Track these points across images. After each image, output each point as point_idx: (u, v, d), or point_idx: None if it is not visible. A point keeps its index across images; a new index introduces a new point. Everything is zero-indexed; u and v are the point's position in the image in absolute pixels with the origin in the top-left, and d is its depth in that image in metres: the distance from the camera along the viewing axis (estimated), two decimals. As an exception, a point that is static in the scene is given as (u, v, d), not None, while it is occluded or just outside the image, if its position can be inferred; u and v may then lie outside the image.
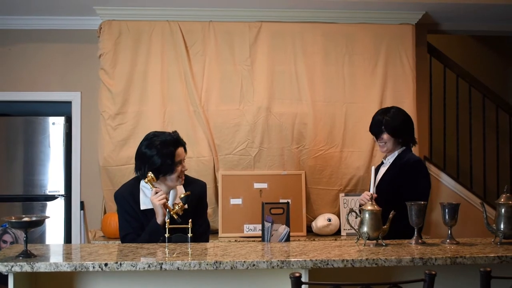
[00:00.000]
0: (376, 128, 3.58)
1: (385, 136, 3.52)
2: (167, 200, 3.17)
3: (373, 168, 3.51)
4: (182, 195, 3.15)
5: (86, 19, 5.22)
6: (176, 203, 3.17)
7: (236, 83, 5.00)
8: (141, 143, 3.27)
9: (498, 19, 5.50)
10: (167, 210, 3.11)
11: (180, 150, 3.22)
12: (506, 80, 7.24)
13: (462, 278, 2.81)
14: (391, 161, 3.59)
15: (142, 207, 3.23)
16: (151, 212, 3.21)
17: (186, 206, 3.17)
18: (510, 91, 7.11)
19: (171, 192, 3.32)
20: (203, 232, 3.35)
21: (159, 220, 3.14)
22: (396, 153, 3.58)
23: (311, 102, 5.01)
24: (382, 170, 3.64)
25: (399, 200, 3.21)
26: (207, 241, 3.37)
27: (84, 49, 5.32)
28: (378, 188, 3.50)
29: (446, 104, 5.89)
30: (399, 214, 3.02)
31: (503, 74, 7.25)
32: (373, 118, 3.64)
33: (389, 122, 3.52)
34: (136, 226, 3.22)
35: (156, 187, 3.17)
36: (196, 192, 3.31)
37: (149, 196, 3.20)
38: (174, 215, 3.11)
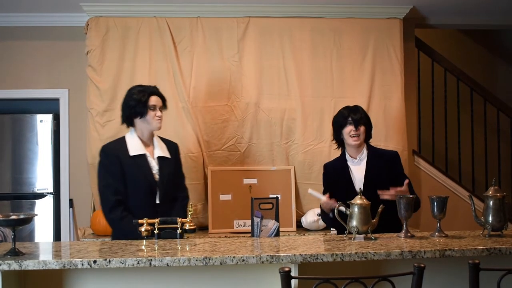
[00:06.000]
0: (358, 120, 3.62)
1: (362, 128, 3.61)
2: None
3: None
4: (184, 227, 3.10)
5: (73, 15, 5.19)
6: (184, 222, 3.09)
7: (224, 79, 4.99)
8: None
9: (485, 13, 5.52)
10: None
11: (155, 97, 3.56)
12: (494, 73, 7.28)
13: (451, 270, 2.83)
14: (364, 158, 3.63)
15: (132, 152, 3.47)
16: (140, 157, 3.46)
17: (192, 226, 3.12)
18: (497, 85, 7.14)
19: (155, 143, 3.58)
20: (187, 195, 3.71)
21: None
22: (364, 150, 3.65)
23: (299, 97, 5.01)
24: (357, 168, 3.63)
25: None
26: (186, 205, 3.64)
27: (71, 46, 5.29)
28: (367, 185, 3.52)
29: (434, 98, 5.91)
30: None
31: (490, 67, 7.29)
32: (350, 111, 3.67)
33: (365, 116, 3.67)
34: (120, 190, 3.40)
35: None
36: (173, 149, 3.67)
37: (134, 143, 3.49)
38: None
